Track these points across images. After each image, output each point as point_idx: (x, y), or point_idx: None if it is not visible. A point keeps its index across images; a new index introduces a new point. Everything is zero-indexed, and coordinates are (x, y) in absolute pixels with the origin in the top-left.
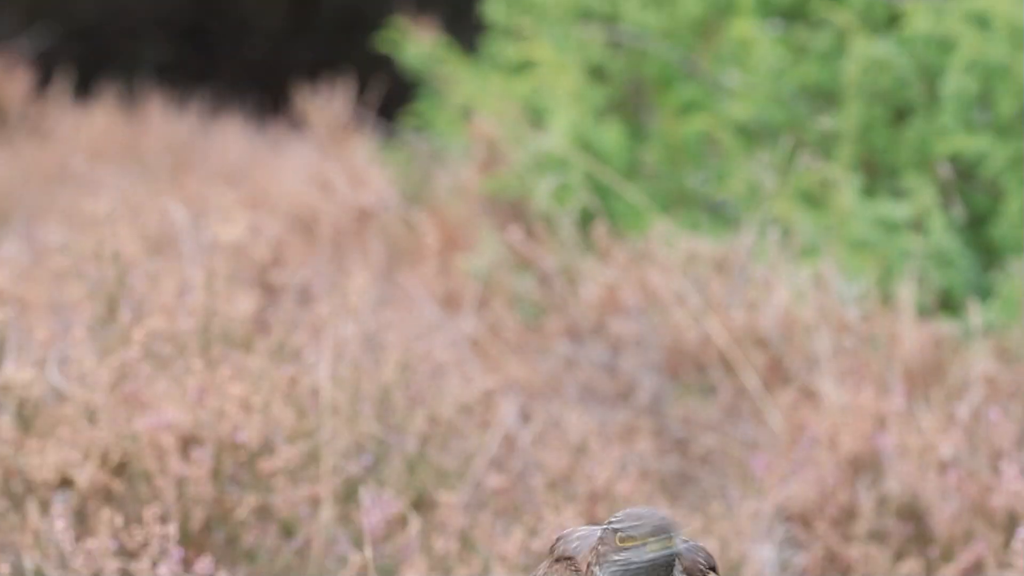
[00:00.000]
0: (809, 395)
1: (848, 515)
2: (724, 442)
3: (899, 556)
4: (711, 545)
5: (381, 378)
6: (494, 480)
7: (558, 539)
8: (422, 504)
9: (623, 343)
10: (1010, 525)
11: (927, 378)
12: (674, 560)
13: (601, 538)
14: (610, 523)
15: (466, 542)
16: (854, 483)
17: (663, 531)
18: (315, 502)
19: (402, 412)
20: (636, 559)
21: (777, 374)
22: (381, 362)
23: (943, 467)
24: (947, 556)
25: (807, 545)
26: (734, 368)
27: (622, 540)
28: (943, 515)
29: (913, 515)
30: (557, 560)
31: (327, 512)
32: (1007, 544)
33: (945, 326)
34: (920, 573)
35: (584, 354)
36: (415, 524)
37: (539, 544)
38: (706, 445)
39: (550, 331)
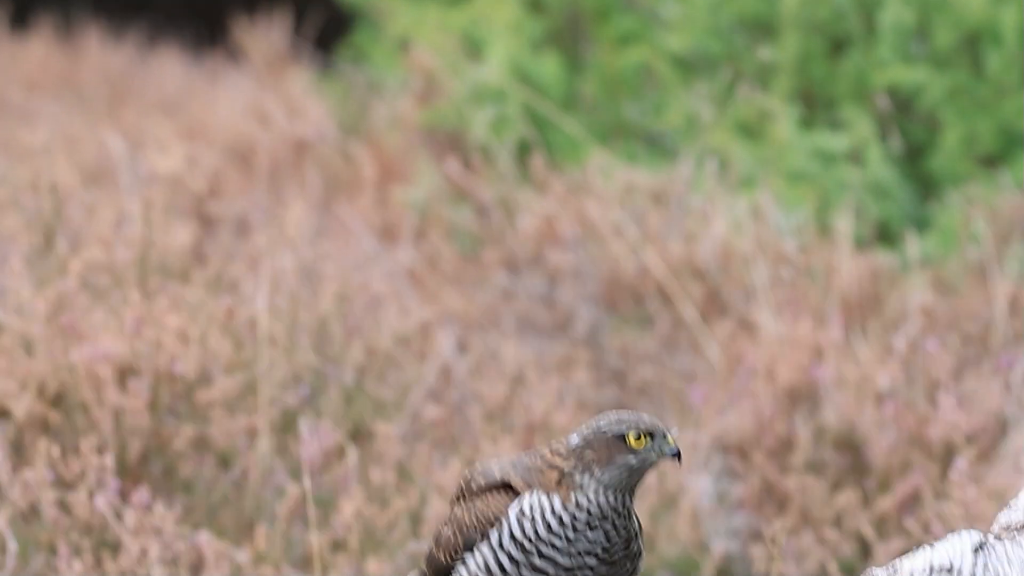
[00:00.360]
0: (746, 326)
1: (785, 446)
2: (661, 373)
3: (836, 487)
4: (648, 477)
5: (318, 309)
6: (431, 411)
7: (468, 479)
8: (359, 435)
9: (560, 275)
10: (947, 456)
11: (864, 309)
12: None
13: (586, 444)
14: (600, 428)
15: (403, 473)
16: (791, 414)
17: (663, 429)
18: (252, 433)
19: (339, 343)
20: (653, 455)
21: (714, 305)
22: (318, 293)
23: (880, 398)
24: (884, 487)
25: (744, 476)
26: (671, 299)
27: (637, 439)
28: (880, 446)
29: (850, 446)
30: (479, 494)
31: (264, 443)
32: (944, 475)
33: (882, 257)
34: (857, 504)
35: (521, 285)
36: (352, 455)
37: None
38: (643, 376)
39: (487, 262)
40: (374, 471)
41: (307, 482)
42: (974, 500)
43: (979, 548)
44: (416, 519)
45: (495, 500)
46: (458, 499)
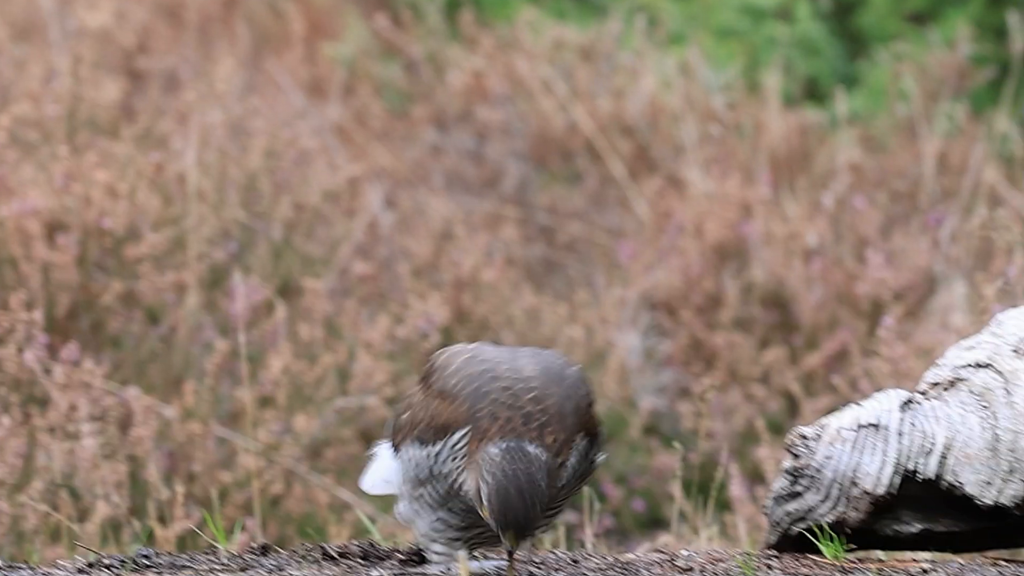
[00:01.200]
0: (675, 183)
1: (713, 303)
2: (590, 230)
3: (764, 344)
4: (576, 333)
5: (247, 165)
6: (359, 267)
7: (433, 368)
8: (288, 291)
9: (489, 131)
10: (874, 313)
11: (793, 166)
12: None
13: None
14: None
15: (331, 329)
16: (719, 271)
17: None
18: (181, 289)
19: (268, 199)
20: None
21: (643, 162)
22: (247, 149)
23: (808, 255)
24: (811, 344)
25: (672, 333)
26: (600, 156)
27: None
28: (808, 303)
29: (778, 303)
30: (437, 397)
31: (193, 299)
32: (871, 332)
33: (811, 115)
34: (784, 361)
35: (450, 142)
36: (281, 311)
37: (404, 331)
38: (572, 233)
39: (416, 119)
40: (302, 327)
41: (243, 337)
42: (901, 357)
43: (906, 406)
44: (344, 375)
45: (450, 410)
46: (422, 380)
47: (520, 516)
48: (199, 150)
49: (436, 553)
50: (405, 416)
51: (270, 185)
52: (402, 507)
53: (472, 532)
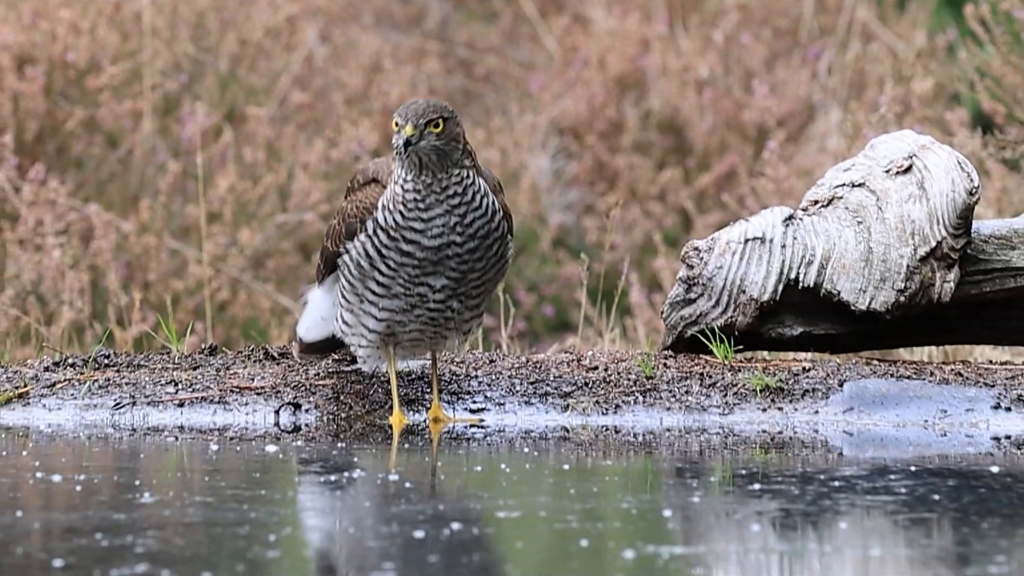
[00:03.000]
0: (581, 21)
1: (615, 129)
2: (504, 63)
3: (661, 166)
4: (493, 155)
5: (196, 4)
6: (297, 97)
7: (354, 177)
8: (233, 118)
9: None
10: (760, 138)
11: (686, 5)
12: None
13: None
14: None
15: (272, 152)
16: (620, 100)
17: (401, 119)
18: (137, 116)
19: (215, 35)
20: (396, 139)
21: (552, 2)
22: None
23: (700, 86)
24: (704, 166)
25: (578, 156)
26: None
27: (394, 125)
28: (700, 129)
29: (673, 129)
30: (359, 188)
31: (148, 125)
32: (757, 155)
33: None
34: (679, 181)
35: None
36: (227, 136)
37: (338, 154)
38: (488, 66)
39: None
40: (246, 150)
41: (193, 160)
42: (784, 178)
43: (789, 221)
44: (284, 193)
45: (370, 191)
46: (345, 196)
47: (419, 105)
48: None
49: (367, 355)
50: (334, 222)
51: (217, 22)
52: (342, 322)
53: (409, 327)
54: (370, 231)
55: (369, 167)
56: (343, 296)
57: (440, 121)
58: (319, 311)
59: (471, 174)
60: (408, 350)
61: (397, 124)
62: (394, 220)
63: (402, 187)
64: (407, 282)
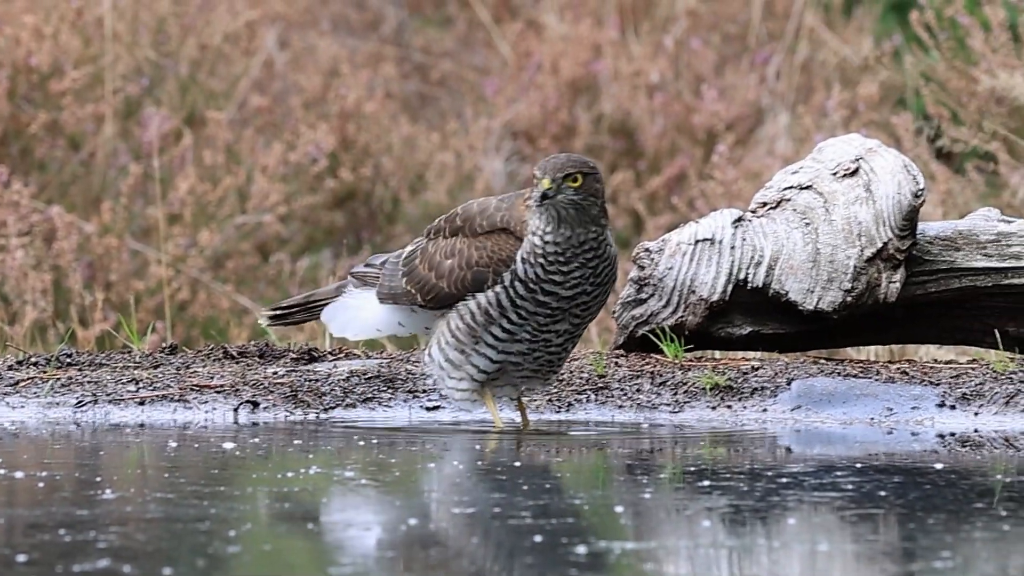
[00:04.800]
0: (534, 26)
1: (568, 132)
2: (459, 68)
3: (613, 168)
4: (448, 158)
5: (157, 9)
6: (256, 100)
7: (458, 217)
8: (193, 121)
9: None
10: (709, 141)
11: (638, 11)
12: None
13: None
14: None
15: (232, 155)
16: (573, 104)
17: (540, 172)
18: (99, 119)
19: (176, 40)
20: (535, 192)
21: (506, 7)
22: None
23: (651, 90)
24: (654, 168)
25: (531, 158)
26: (468, 2)
27: (536, 180)
28: (651, 133)
29: (625, 132)
30: (485, 234)
31: (109, 128)
32: (707, 158)
33: None
34: (631, 183)
35: None
36: (187, 139)
37: (296, 157)
38: (443, 70)
39: None
40: (206, 153)
41: (154, 163)
42: (733, 180)
43: (738, 223)
44: (243, 195)
45: (503, 242)
46: (436, 233)
47: (560, 160)
48: None
49: (466, 393)
50: (448, 263)
51: (178, 27)
52: (444, 359)
53: (524, 367)
54: (507, 283)
55: (492, 211)
56: (454, 336)
57: (579, 176)
58: (377, 323)
59: (605, 232)
60: (501, 387)
61: (535, 176)
62: (535, 273)
63: (542, 239)
64: (535, 329)
